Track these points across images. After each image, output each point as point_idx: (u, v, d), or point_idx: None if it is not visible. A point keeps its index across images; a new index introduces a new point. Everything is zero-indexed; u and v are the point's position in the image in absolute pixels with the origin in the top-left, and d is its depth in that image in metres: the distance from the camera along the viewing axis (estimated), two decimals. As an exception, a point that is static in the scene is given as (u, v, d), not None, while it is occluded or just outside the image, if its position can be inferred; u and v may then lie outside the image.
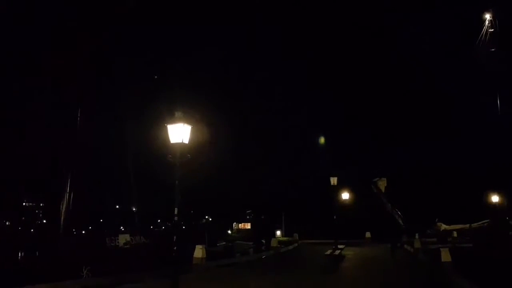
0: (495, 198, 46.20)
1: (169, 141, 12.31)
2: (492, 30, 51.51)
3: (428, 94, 59.17)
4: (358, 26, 63.44)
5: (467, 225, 46.82)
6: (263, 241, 38.85)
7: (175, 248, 12.14)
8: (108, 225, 64.63)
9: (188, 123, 12.35)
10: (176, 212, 12.28)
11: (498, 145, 48.45)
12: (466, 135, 53.07)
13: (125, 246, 33.24)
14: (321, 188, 40.77)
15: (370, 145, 60.25)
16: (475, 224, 46.63)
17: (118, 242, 35.33)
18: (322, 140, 56.53)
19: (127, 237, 37.16)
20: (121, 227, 64.27)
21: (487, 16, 52.12)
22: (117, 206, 75.32)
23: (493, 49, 51.06)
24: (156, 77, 51.57)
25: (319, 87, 64.18)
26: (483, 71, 49.85)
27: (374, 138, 60.88)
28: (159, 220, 76.69)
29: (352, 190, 41.71)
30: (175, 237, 12.59)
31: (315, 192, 49.40)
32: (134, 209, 74.52)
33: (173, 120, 12.26)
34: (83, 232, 62.78)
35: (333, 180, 33.15)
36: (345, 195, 39.02)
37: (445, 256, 21.51)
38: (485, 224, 46.25)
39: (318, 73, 64.67)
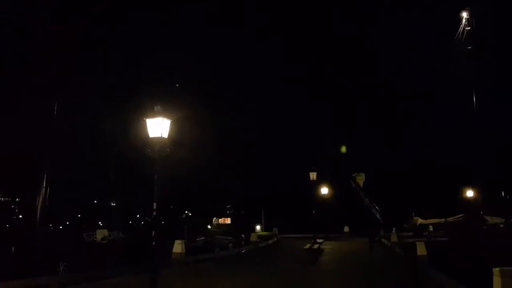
0: (469, 193, 47.30)
1: (148, 135, 12.22)
2: (469, 28, 52.47)
3: (406, 92, 60.12)
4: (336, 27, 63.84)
5: (443, 220, 47.77)
6: (243, 236, 38.98)
7: (153, 243, 12.09)
8: (86, 220, 63.90)
9: (168, 117, 12.26)
10: (155, 207, 12.21)
11: (473, 142, 49.47)
12: (443, 131, 54.06)
13: (103, 242, 32.97)
14: (301, 183, 41.10)
15: (350, 141, 60.79)
16: (450, 218, 47.61)
17: (95, 238, 35.02)
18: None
19: (105, 232, 36.86)
20: (100, 222, 63.66)
21: (464, 15, 53.06)
22: (96, 201, 74.46)
23: (469, 47, 52.04)
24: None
25: (297, 82, 64.60)
26: (459, 69, 50.77)
27: (354, 134, 61.57)
28: (138, 216, 76.08)
29: (331, 185, 42.14)
30: (153, 232, 12.54)
31: (295, 187, 49.76)
32: (113, 204, 73.81)
33: (152, 114, 12.16)
34: (60, 227, 61.97)
35: (313, 175, 33.43)
36: (324, 190, 39.40)
37: (421, 249, 21.96)
38: (460, 219, 47.30)
39: (297, 68, 64.98)
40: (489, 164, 46.51)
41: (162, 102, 12.41)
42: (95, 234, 36.60)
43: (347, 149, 56.27)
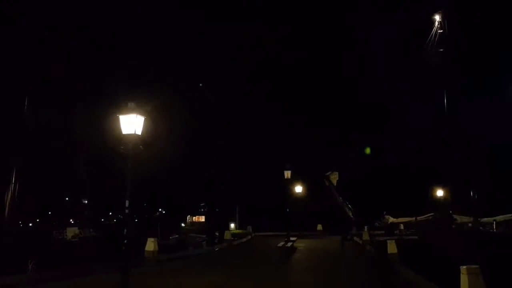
0: (439, 193, 48.42)
1: (121, 132, 12.06)
2: (442, 31, 53.65)
3: (379, 93, 61.05)
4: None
5: (413, 218, 48.83)
6: (217, 233, 38.92)
7: (125, 241, 11.94)
8: (56, 217, 62.60)
9: (141, 114, 12.14)
10: (127, 204, 12.06)
11: (444, 142, 50.59)
12: (414, 132, 54.98)
13: (74, 239, 32.42)
14: (275, 181, 41.25)
15: (323, 140, 61.38)
16: (421, 217, 48.69)
17: (66, 235, 34.40)
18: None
19: (75, 230, 36.27)
20: (71, 220, 62.50)
21: (437, 17, 54.23)
22: (67, 199, 73.08)
23: (441, 50, 53.22)
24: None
25: (270, 81, 64.84)
26: (431, 71, 51.83)
27: (328, 133, 62.16)
28: (110, 213, 75.07)
29: (305, 184, 42.44)
30: (125, 230, 12.38)
31: (269, 185, 49.92)
32: (85, 201, 72.51)
33: (125, 111, 12.01)
34: (30, 224, 60.57)
35: (287, 174, 33.63)
36: (298, 188, 39.66)
37: (392, 248, 22.35)
38: (430, 218, 48.42)
39: (271, 69, 65.13)
40: (458, 164, 47.63)
41: (136, 99, 12.27)
42: (66, 232, 35.96)
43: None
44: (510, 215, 44.97)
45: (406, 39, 55.70)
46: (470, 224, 44.95)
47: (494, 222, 43.94)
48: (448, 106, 50.90)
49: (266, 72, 64.59)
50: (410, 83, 54.45)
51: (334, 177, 53.97)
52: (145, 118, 12.16)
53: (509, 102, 50.41)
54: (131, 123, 11.92)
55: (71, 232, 35.30)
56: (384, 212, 50.41)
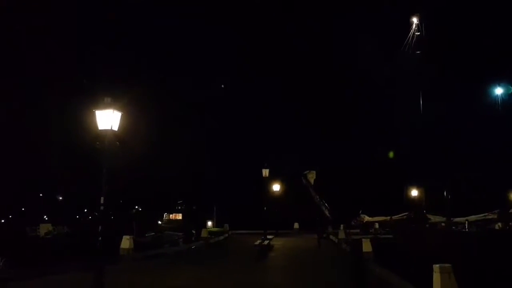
0: (414, 193, 49.25)
1: (97, 127, 11.86)
2: (419, 33, 54.57)
3: (357, 94, 61.80)
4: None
5: (388, 217, 49.56)
6: (194, 231, 38.71)
7: (100, 238, 11.77)
8: (30, 214, 61.35)
9: (118, 109, 11.96)
10: (102, 201, 11.88)
11: (419, 143, 51.50)
12: (390, 133, 55.83)
13: (47, 236, 31.79)
14: (253, 180, 41.33)
15: (301, 139, 61.74)
16: (396, 216, 49.46)
17: (39, 232, 33.75)
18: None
19: (49, 226, 35.63)
20: (45, 217, 61.36)
21: (414, 20, 55.11)
22: (41, 195, 71.75)
23: (418, 52, 54.14)
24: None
25: (249, 78, 64.94)
26: (408, 72, 52.68)
27: (306, 132, 62.54)
28: (85, 210, 73.90)
29: (283, 182, 42.62)
30: (100, 227, 12.19)
31: (247, 183, 49.99)
32: (60, 198, 71.21)
33: (102, 106, 11.82)
34: (2, 221, 59.26)
35: (265, 172, 33.73)
36: (276, 187, 39.81)
37: (366, 246, 22.63)
38: (405, 217, 49.23)
39: (252, 65, 65.23)
40: (432, 165, 48.54)
41: (113, 94, 12.08)
42: (39, 229, 35.29)
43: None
44: (482, 215, 46.12)
45: (384, 41, 56.49)
46: (443, 224, 45.90)
47: (466, 222, 44.93)
48: (423, 108, 51.86)
49: (245, 72, 64.75)
50: (387, 84, 55.20)
51: (312, 176, 54.30)
52: (122, 114, 11.99)
53: (487, 105, 51.85)
54: (108, 119, 11.75)
55: (44, 228, 34.64)
56: (360, 211, 51.01)
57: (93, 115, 11.83)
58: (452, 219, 45.25)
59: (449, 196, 44.08)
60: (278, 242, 33.09)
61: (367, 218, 50.35)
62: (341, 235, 34.53)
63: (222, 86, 57.82)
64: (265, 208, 34.57)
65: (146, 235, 37.08)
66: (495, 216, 45.53)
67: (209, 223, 52.06)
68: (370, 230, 44.32)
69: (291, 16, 64.67)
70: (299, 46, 64.30)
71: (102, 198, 11.88)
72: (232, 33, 64.66)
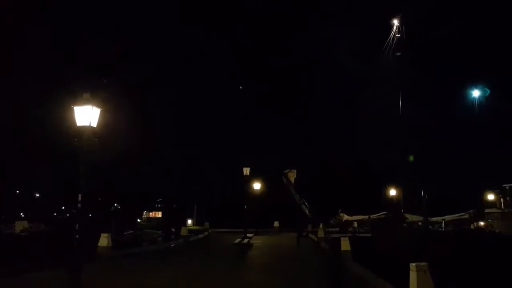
0: (392, 192, 49.92)
1: (75, 124, 11.68)
2: (399, 35, 55.25)
3: (336, 95, 62.41)
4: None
5: (367, 216, 50.14)
6: (173, 230, 38.51)
7: (77, 236, 11.60)
8: (6, 211, 60.10)
9: (98, 106, 11.79)
10: (80, 198, 11.72)
11: (398, 143, 52.18)
12: (369, 133, 56.31)
13: (22, 234, 31.21)
14: (234, 178, 41.32)
15: (282, 138, 62.02)
16: (374, 215, 50.06)
17: (14, 229, 33.13)
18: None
19: (25, 224, 34.98)
20: (21, 214, 60.22)
21: (395, 22, 55.78)
22: (18, 192, 70.41)
23: (398, 53, 54.83)
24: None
25: (231, 74, 64.98)
26: (387, 73, 53.32)
27: (287, 130, 62.86)
28: (63, 207, 72.83)
29: (263, 181, 42.68)
30: (77, 225, 12.02)
31: (228, 182, 49.96)
32: (37, 195, 69.96)
33: (80, 102, 11.63)
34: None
35: (246, 171, 33.73)
36: (257, 185, 39.84)
37: (345, 245, 22.88)
38: (383, 216, 49.88)
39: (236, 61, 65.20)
40: (411, 165, 49.25)
41: (92, 90, 11.90)
42: (14, 226, 34.62)
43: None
44: (457, 215, 47.07)
45: (365, 43, 57.11)
46: (420, 223, 46.61)
47: (443, 222, 45.77)
48: (403, 109, 52.56)
49: (227, 70, 64.73)
50: (368, 85, 55.79)
51: (292, 175, 54.55)
52: (101, 110, 11.84)
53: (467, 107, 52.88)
54: (86, 115, 11.58)
55: (20, 226, 33.98)
56: (339, 210, 51.48)
57: (72, 111, 11.65)
58: (429, 218, 45.99)
59: (426, 196, 44.74)
60: (258, 241, 33.15)
61: (346, 217, 50.85)
62: (320, 233, 34.80)
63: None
64: (245, 207, 34.57)
65: (125, 233, 36.77)
66: (471, 216, 46.53)
67: (189, 222, 51.82)
68: (349, 229, 44.74)
69: (275, 19, 64.86)
70: (282, 51, 64.67)
71: (79, 196, 11.73)
72: (213, 33, 64.51)
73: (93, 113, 11.67)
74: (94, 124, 11.71)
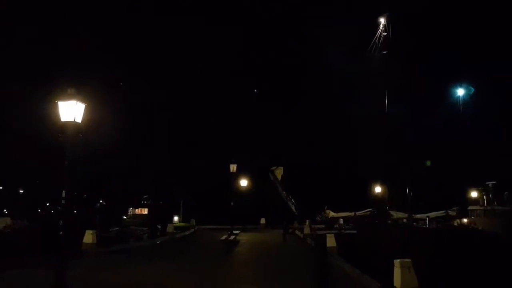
0: (378, 189, 50.40)
1: (60, 119, 11.53)
2: (386, 34, 55.65)
3: (322, 92, 62.72)
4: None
5: (353, 213, 50.55)
6: (159, 226, 38.33)
7: (61, 233, 11.48)
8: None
9: (82, 101, 11.66)
10: (64, 195, 11.60)
11: (384, 141, 52.62)
12: (356, 131, 56.66)
13: (5, 230, 30.75)
14: (221, 175, 41.25)
15: (269, 135, 62.00)
16: (360, 212, 50.50)
17: (-3, 226, 32.64)
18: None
19: (7, 220, 34.52)
20: (5, 210, 59.40)
21: (382, 21, 56.16)
22: (1, 187, 69.47)
23: (385, 52, 55.24)
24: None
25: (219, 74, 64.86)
26: (372, 73, 53.72)
27: (274, 128, 62.87)
28: (48, 204, 72.01)
29: (250, 178, 42.69)
30: (61, 221, 11.90)
31: (215, 178, 49.85)
32: (21, 191, 69.01)
33: (65, 97, 11.49)
34: (-43, 214, 56.96)
35: (233, 167, 33.68)
36: (244, 182, 39.83)
37: (330, 241, 23.01)
38: (368, 213, 50.34)
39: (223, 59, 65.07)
40: (396, 162, 49.68)
41: (77, 85, 11.77)
42: (-3, 223, 34.10)
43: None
44: (441, 212, 47.71)
45: (351, 42, 57.35)
46: (405, 220, 47.19)
47: (427, 218, 46.36)
48: (388, 107, 53.01)
49: (215, 68, 64.60)
50: (355, 84, 56.12)
51: (279, 172, 54.73)
52: (86, 106, 11.71)
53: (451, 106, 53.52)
54: (71, 110, 11.44)
55: (2, 222, 33.48)
56: (325, 207, 51.79)
57: (56, 106, 11.50)
58: (413, 215, 46.56)
59: (411, 194, 45.30)
60: (244, 237, 33.17)
61: (332, 214, 51.20)
62: (306, 230, 34.93)
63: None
64: (231, 203, 34.55)
65: (110, 230, 36.48)
66: (454, 213, 47.22)
67: (176, 218, 51.58)
68: (335, 226, 45.06)
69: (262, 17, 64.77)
70: (271, 46, 64.61)
71: (63, 192, 11.61)
72: (201, 28, 64.26)
73: (77, 108, 11.55)
74: (79, 119, 11.58)
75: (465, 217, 44.63)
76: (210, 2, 63.67)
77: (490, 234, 34.88)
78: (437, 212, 47.86)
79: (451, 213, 47.66)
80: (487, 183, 44.02)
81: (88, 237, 21.58)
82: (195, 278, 15.98)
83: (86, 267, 16.96)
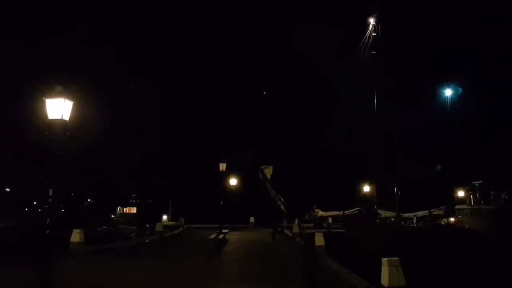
0: (366, 188, 50.70)
1: (47, 117, 11.41)
2: (375, 34, 55.89)
3: (312, 92, 62.91)
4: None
5: (341, 212, 50.80)
6: (147, 225, 38.14)
7: (48, 232, 11.37)
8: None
9: (70, 99, 11.55)
10: (51, 193, 11.48)
11: (372, 141, 52.87)
12: (343, 131, 56.85)
13: (-8, 229, 30.43)
14: (210, 174, 41.14)
15: (259, 134, 62.07)
16: (348, 211, 50.75)
17: (-17, 225, 32.29)
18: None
19: (-7, 219, 34.14)
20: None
21: (371, 21, 56.39)
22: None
23: (374, 52, 55.48)
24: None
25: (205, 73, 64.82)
26: (362, 72, 53.94)
27: (263, 127, 62.93)
28: (35, 202, 71.24)
29: (240, 177, 42.67)
30: (48, 220, 11.78)
31: (204, 177, 49.73)
32: (7, 189, 68.11)
33: (52, 95, 11.37)
34: None
35: (222, 166, 33.61)
36: (233, 181, 39.79)
37: (319, 240, 23.10)
38: (357, 212, 50.61)
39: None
40: (383, 162, 49.97)
41: (64, 83, 11.65)
42: (-17, 222, 33.75)
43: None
44: (429, 211, 48.19)
45: (340, 41, 57.52)
46: (392, 219, 47.53)
47: (415, 217, 46.76)
48: (377, 107, 53.28)
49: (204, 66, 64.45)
50: (344, 83, 56.31)
51: (269, 171, 54.77)
52: (74, 103, 11.60)
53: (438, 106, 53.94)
54: (58, 108, 11.33)
55: (-12, 222, 33.15)
56: (314, 206, 51.96)
57: (43, 103, 11.38)
58: (401, 214, 46.91)
59: (399, 193, 45.62)
60: (233, 236, 33.17)
61: (321, 213, 51.39)
62: (295, 229, 35.02)
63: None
64: (221, 202, 34.50)
65: (98, 228, 36.24)
66: (441, 212, 47.70)
67: (164, 217, 51.32)
68: (324, 224, 45.27)
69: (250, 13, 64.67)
70: (257, 47, 64.63)
71: (50, 190, 11.49)
72: (192, 27, 64.05)
73: (65, 106, 11.44)
74: (67, 117, 11.47)
75: (452, 216, 45.08)
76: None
77: (477, 233, 35.32)
78: (424, 211, 48.32)
79: (438, 212, 48.15)
80: (473, 182, 44.51)
81: (76, 236, 21.41)
82: (183, 277, 15.92)
83: (73, 266, 16.83)
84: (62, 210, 52.04)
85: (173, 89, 62.92)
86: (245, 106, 64.33)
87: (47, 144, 11.45)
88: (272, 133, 61.68)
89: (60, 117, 11.29)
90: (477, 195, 43.67)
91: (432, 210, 48.37)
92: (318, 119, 61.56)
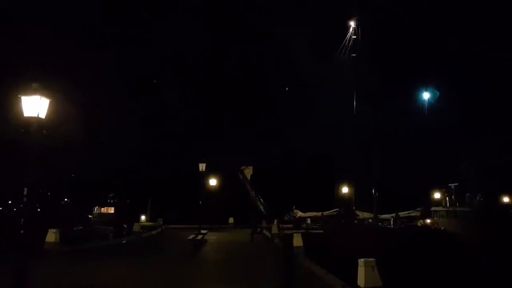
0: (344, 190, 51.21)
1: (22, 114, 11.21)
2: (355, 37, 56.52)
3: (292, 92, 63.30)
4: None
5: (320, 213, 51.15)
6: (125, 225, 37.77)
7: (22, 231, 11.16)
8: None
9: (47, 96, 11.37)
10: (25, 192, 11.28)
11: (350, 142, 53.42)
12: (322, 131, 57.25)
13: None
14: (190, 174, 40.97)
15: (238, 135, 62.04)
16: (327, 212, 51.16)
17: (-45, 225, 31.44)
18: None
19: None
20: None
21: (351, 24, 57.02)
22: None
23: (354, 54, 56.11)
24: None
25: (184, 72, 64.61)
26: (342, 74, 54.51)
27: (243, 127, 62.97)
28: (10, 202, 69.71)
29: (219, 177, 42.56)
30: (23, 220, 11.57)
31: (184, 178, 49.46)
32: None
33: (29, 92, 11.17)
34: None
35: (202, 166, 33.51)
36: (213, 181, 39.69)
37: (297, 241, 23.24)
38: (335, 213, 51.07)
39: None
40: (363, 163, 50.51)
41: (41, 80, 11.47)
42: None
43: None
44: (406, 212, 48.95)
45: (321, 43, 57.97)
46: (370, 220, 48.09)
47: (392, 219, 47.41)
48: (356, 107, 53.91)
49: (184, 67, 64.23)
50: (324, 85, 56.69)
51: (248, 172, 54.76)
52: (50, 101, 11.42)
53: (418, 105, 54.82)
54: (35, 105, 11.14)
55: (-41, 221, 32.33)
56: (294, 207, 52.19)
57: (19, 101, 11.18)
58: (378, 215, 47.50)
59: (377, 194, 46.20)
60: (212, 237, 33.10)
61: (300, 214, 51.63)
62: (274, 229, 35.17)
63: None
64: (200, 203, 34.37)
65: (74, 228, 35.72)
66: (418, 214, 48.48)
67: (143, 217, 50.92)
68: (302, 225, 45.50)
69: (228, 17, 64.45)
70: (237, 49, 64.60)
71: (25, 189, 11.30)
72: (175, 29, 63.60)
73: (41, 103, 11.26)
74: (43, 115, 11.30)
75: (428, 217, 45.80)
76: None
77: (452, 235, 36.00)
78: (401, 213, 49.02)
79: (415, 213, 48.91)
80: (449, 184, 45.29)
81: (51, 236, 21.10)
82: (161, 278, 15.84)
83: (48, 267, 16.57)
84: (38, 210, 51.08)
85: (150, 90, 62.49)
86: (225, 106, 64.25)
87: (23, 142, 11.27)
88: (253, 133, 61.82)
89: (36, 115, 11.12)
90: (452, 197, 44.45)
91: (408, 211, 49.15)
92: (297, 120, 61.84)
